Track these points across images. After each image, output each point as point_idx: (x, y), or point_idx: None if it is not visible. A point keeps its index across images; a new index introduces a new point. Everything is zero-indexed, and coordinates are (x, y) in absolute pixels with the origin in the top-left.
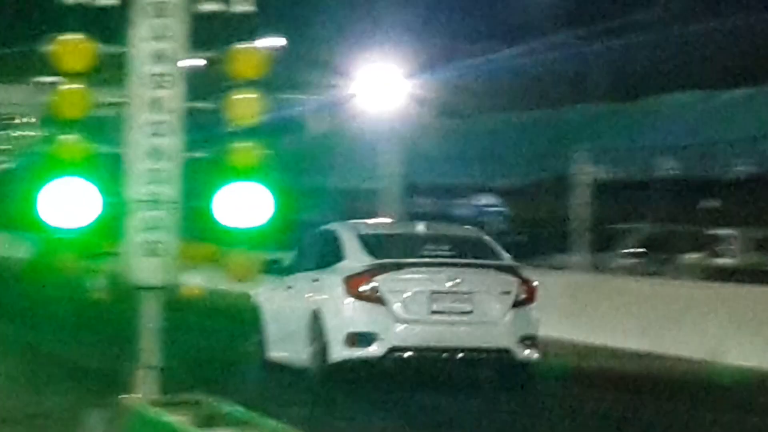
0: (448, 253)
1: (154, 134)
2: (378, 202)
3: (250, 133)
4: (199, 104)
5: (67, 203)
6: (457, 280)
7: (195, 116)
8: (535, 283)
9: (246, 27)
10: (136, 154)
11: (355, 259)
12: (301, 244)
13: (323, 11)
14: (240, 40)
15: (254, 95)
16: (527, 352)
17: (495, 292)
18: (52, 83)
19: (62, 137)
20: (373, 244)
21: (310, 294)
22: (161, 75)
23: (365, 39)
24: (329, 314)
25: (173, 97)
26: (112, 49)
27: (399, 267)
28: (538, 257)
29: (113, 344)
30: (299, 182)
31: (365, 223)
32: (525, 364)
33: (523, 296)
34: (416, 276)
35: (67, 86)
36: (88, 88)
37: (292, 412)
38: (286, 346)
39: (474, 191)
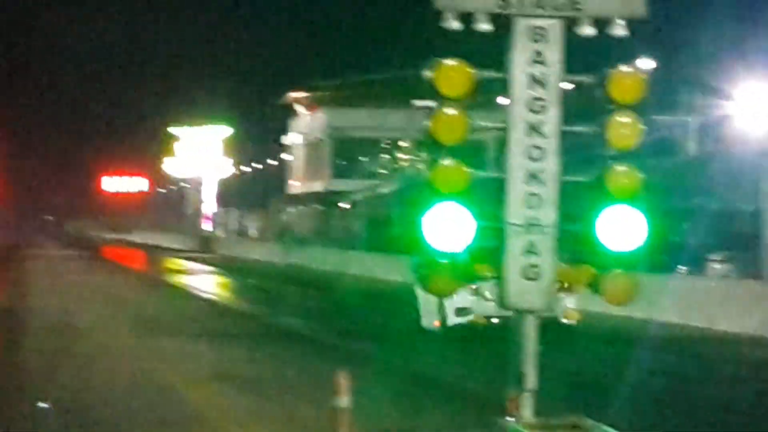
0: None
1: (532, 158)
2: (756, 223)
3: (628, 156)
4: (576, 128)
5: (445, 228)
6: None
7: (572, 139)
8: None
9: (619, 49)
10: (514, 178)
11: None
12: None
13: (696, 31)
14: (613, 62)
15: (632, 118)
16: (568, 320)
17: None
18: (430, 107)
19: (440, 162)
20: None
21: None
22: (539, 99)
23: (740, 59)
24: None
25: (550, 120)
26: (490, 73)
27: None
28: None
29: (490, 367)
30: (675, 204)
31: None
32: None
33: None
34: None
35: (444, 111)
36: (466, 113)
37: None
38: (427, 318)
39: None
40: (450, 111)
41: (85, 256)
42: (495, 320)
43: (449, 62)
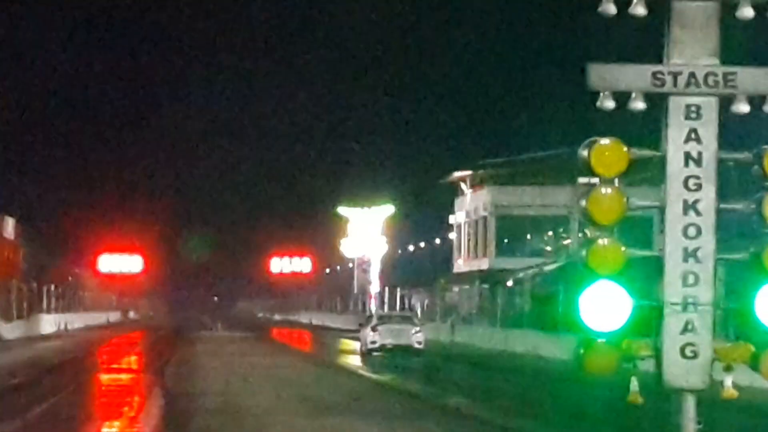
0: (399, 318)
1: (688, 236)
2: None
3: None
4: (733, 205)
5: (601, 307)
6: (399, 326)
7: (728, 216)
8: (421, 326)
9: None
10: (671, 256)
11: (374, 321)
12: (368, 318)
13: None
14: None
15: None
16: (418, 345)
17: (409, 328)
18: (594, 185)
19: (597, 241)
20: (379, 316)
21: (365, 330)
22: (694, 177)
23: None
24: (367, 336)
25: (706, 198)
26: (645, 152)
27: (383, 323)
28: None
29: None
30: None
31: (379, 311)
32: (417, 349)
33: (418, 330)
34: (388, 325)
35: (600, 190)
36: (622, 192)
37: None
38: (361, 345)
39: None
40: (606, 190)
41: (253, 337)
42: (390, 347)
43: (604, 141)
